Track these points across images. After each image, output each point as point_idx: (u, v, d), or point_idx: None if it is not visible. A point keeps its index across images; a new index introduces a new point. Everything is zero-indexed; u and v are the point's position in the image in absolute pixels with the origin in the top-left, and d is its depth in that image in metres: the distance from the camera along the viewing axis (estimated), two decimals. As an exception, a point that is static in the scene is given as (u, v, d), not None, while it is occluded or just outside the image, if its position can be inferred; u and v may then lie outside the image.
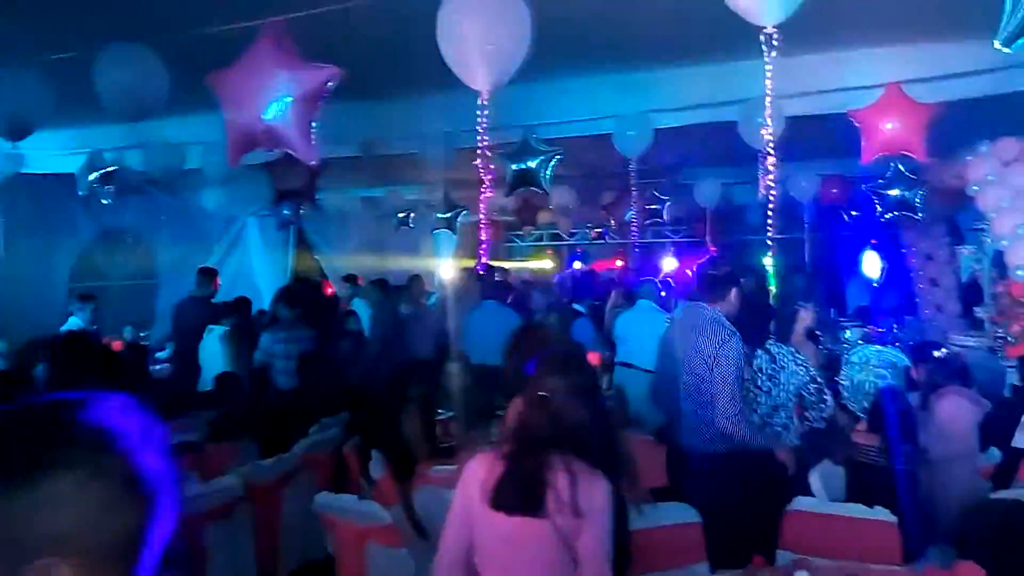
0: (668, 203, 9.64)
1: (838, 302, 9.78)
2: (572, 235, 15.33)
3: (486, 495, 2.04)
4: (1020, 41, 1.98)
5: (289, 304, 6.59)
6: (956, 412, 4.26)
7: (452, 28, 2.45)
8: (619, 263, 14.02)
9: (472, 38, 2.42)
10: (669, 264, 13.69)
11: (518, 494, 2.01)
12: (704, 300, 3.69)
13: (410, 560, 3.42)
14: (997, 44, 1.97)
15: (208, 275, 7.18)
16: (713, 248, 10.85)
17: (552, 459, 2.04)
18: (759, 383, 3.84)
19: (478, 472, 2.09)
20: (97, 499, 0.70)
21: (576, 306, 7.18)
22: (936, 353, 5.03)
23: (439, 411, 4.77)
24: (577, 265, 15.57)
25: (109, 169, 6.21)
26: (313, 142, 2.79)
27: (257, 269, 10.15)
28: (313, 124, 2.74)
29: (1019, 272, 4.33)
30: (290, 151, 2.75)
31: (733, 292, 3.70)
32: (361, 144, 5.50)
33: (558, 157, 5.27)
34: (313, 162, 2.76)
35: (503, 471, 2.05)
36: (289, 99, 2.63)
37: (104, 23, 3.68)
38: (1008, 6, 1.96)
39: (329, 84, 2.68)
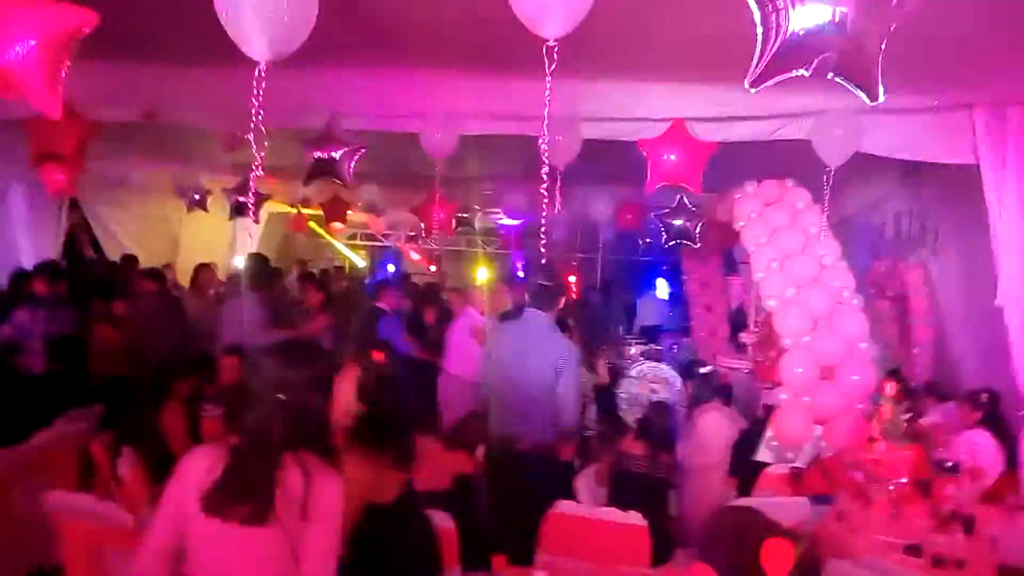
0: (479, 213, 9.79)
1: (627, 320, 10.41)
2: (386, 236, 15.14)
3: (200, 496, 1.85)
4: (766, 84, 2.16)
5: (51, 279, 5.93)
6: (713, 426, 4.65)
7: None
8: (432, 268, 14.04)
9: (250, 4, 2.25)
10: (481, 274, 13.91)
11: (242, 499, 1.84)
12: (541, 308, 4.21)
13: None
14: (746, 84, 2.12)
15: None
16: (520, 261, 11.17)
17: (284, 458, 1.92)
18: None
19: (198, 466, 1.91)
20: None
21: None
22: (702, 371, 5.47)
23: (205, 407, 4.47)
24: (391, 268, 15.38)
25: None
26: (62, 96, 2.46)
27: (21, 241, 8.99)
28: (62, 74, 2.42)
29: (771, 302, 4.80)
30: (30, 100, 2.41)
31: (562, 301, 4.39)
32: (142, 110, 5.02)
33: (363, 150, 5.12)
34: (58, 117, 2.43)
35: (226, 470, 1.87)
36: (32, 40, 2.30)
37: None
38: (759, 50, 2.13)
39: (85, 31, 2.38)
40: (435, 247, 13.71)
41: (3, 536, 3.89)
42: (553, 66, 2.40)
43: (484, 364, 4.43)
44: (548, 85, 2.45)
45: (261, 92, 2.38)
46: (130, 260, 7.80)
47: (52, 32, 2.34)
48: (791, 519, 3.62)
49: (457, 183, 7.69)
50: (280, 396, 1.92)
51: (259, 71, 2.38)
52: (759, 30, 2.12)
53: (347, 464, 2.11)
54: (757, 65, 2.12)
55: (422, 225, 10.27)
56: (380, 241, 15.43)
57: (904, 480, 3.80)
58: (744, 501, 3.85)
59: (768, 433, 4.67)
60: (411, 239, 13.19)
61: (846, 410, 4.44)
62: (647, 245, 9.28)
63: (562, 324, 4.66)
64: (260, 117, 2.36)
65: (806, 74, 2.12)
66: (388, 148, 5.92)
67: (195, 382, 4.43)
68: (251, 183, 2.58)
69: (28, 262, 8.36)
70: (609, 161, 5.89)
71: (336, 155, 5.05)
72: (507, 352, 4.21)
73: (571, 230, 9.76)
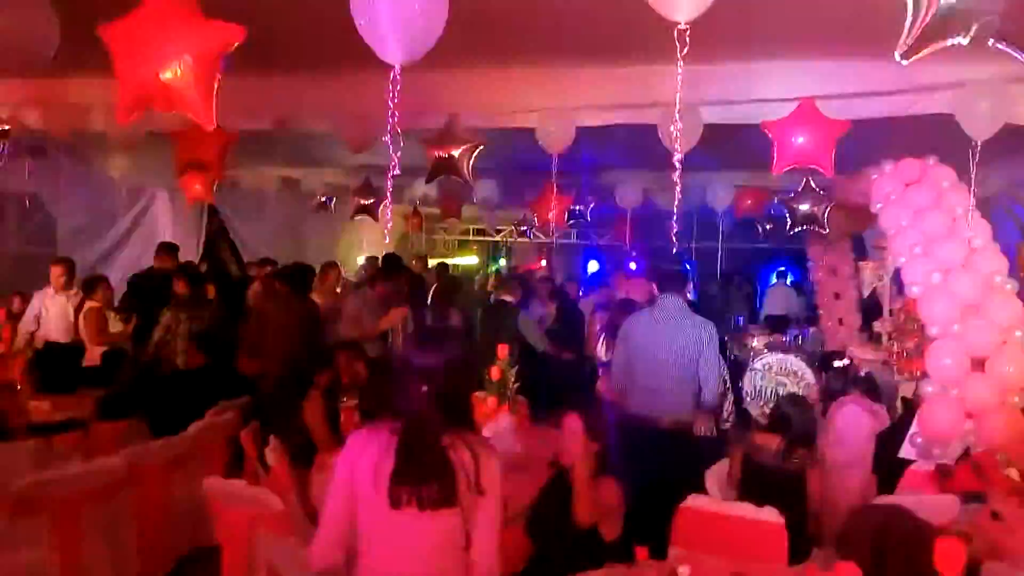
0: (592, 204, 9.73)
1: (750, 310, 10.09)
2: (499, 231, 15.35)
3: (382, 486, 1.92)
4: (919, 55, 2.03)
5: (191, 281, 6.37)
6: (852, 420, 4.43)
7: (364, -3, 2.36)
8: (543, 262, 14.11)
9: (386, 8, 2.32)
10: (592, 265, 13.86)
11: (429, 483, 1.90)
12: (672, 292, 4.58)
13: (300, 550, 3.30)
14: (897, 56, 2.00)
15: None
16: (633, 251, 11.02)
17: (451, 437, 1.98)
18: None
19: (367, 451, 1.98)
20: None
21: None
22: (837, 364, 5.22)
23: (343, 399, 4.67)
24: (503, 262, 15.60)
25: (2, 128, 5.79)
26: (214, 107, 2.63)
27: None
28: (215, 87, 2.59)
29: (914, 289, 4.51)
30: (188, 114, 2.59)
31: (689, 286, 4.70)
32: (275, 120, 5.30)
33: (481, 147, 5.20)
34: (212, 128, 2.60)
35: (401, 459, 1.93)
36: (188, 57, 2.47)
37: None
38: (909, 21, 2.01)
39: (233, 45, 2.53)
40: (544, 240, 13.77)
41: (164, 518, 4.22)
42: (685, 50, 2.34)
43: (620, 349, 4.73)
44: (680, 69, 2.40)
45: (396, 95, 2.45)
46: (267, 263, 8.25)
47: (205, 47, 2.51)
48: (940, 518, 3.42)
49: (571, 175, 7.68)
50: (424, 381, 1.98)
51: (394, 74, 2.45)
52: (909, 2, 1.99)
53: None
54: (909, 35, 1.99)
55: (535, 218, 10.36)
56: (491, 236, 15.67)
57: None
58: (889, 499, 3.65)
59: (913, 428, 4.40)
60: (522, 234, 13.31)
61: (999, 403, 4.12)
62: (768, 231, 8.93)
63: (696, 307, 5.10)
64: (396, 118, 2.43)
65: (964, 42, 1.97)
66: (503, 143, 5.99)
67: (332, 375, 4.64)
68: (388, 185, 2.66)
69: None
70: (727, 146, 5.73)
71: (456, 153, 5.15)
72: (643, 336, 4.54)
73: (688, 218, 9.56)
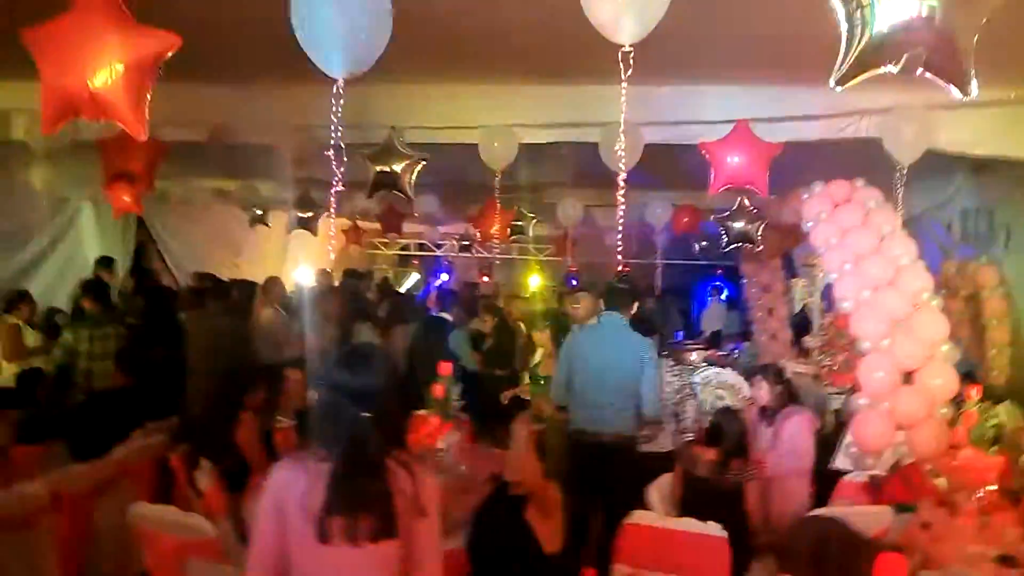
0: (534, 220, 9.78)
1: (685, 326, 10.28)
2: (439, 246, 15.27)
3: (311, 519, 1.82)
4: (852, 82, 2.10)
5: (97, 298, 6.11)
6: (799, 429, 4.52)
7: (307, 9, 2.31)
8: (484, 278, 14.08)
9: (328, 21, 2.28)
10: (534, 282, 13.90)
11: (365, 517, 1.82)
12: (617, 310, 4.66)
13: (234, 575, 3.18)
14: (831, 83, 2.07)
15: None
16: (573, 267, 11.12)
17: (388, 460, 1.92)
18: None
19: (294, 482, 1.88)
20: None
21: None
22: (785, 375, 5.34)
23: (278, 419, 4.54)
24: (444, 277, 15.51)
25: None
26: (146, 117, 2.53)
27: (92, 258, 9.32)
28: (147, 97, 2.49)
29: (845, 304, 4.67)
30: (118, 123, 2.48)
31: (635, 305, 4.81)
32: (209, 130, 5.15)
33: (423, 162, 5.16)
34: (143, 139, 2.50)
35: (333, 493, 1.83)
36: (120, 65, 2.37)
37: None
38: (843, 50, 2.08)
39: (168, 53, 2.44)
40: (487, 256, 13.76)
41: (88, 547, 4.00)
42: (629, 72, 2.37)
43: (562, 364, 4.79)
44: (623, 91, 2.42)
45: (339, 109, 2.40)
46: (206, 278, 7.98)
47: (138, 55, 2.41)
48: (873, 529, 3.52)
49: (512, 191, 7.71)
50: (363, 407, 1.91)
51: (337, 88, 2.40)
52: (843, 27, 2.06)
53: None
54: (843, 63, 2.06)
55: (476, 234, 10.35)
56: (432, 252, 15.58)
57: (993, 487, 3.65)
58: (825, 511, 3.74)
59: (847, 439, 4.53)
60: (464, 248, 13.27)
61: (928, 415, 4.28)
62: (703, 248, 9.14)
63: (641, 324, 5.08)
64: (340, 133, 2.38)
65: (895, 71, 2.05)
66: (445, 159, 5.98)
67: (266, 394, 4.50)
68: (332, 199, 2.60)
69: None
70: (664, 165, 5.84)
71: (397, 168, 5.09)
72: (586, 353, 4.60)
73: (626, 235, 9.70)
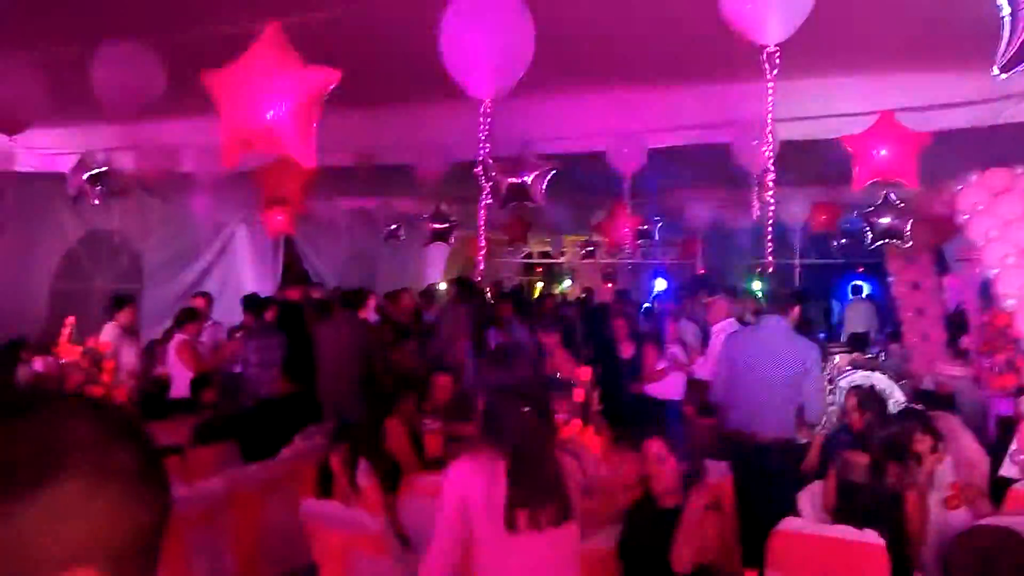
0: (660, 224, 9.70)
1: (829, 328, 9.84)
2: (563, 254, 15.39)
3: (497, 515, 1.95)
4: (1018, 67, 2.01)
5: (255, 311, 6.59)
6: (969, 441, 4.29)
7: (455, 35, 2.46)
8: (609, 284, 14.07)
9: (476, 44, 2.42)
10: (660, 284, 13.77)
11: (546, 505, 1.95)
12: (777, 313, 4.75)
13: (394, 570, 3.38)
14: (995, 70, 1.99)
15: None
16: (703, 270, 10.91)
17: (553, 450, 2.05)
18: None
19: (474, 481, 2.01)
20: (109, 501, 0.67)
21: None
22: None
23: (426, 422, 4.77)
24: (567, 283, 15.63)
25: (100, 170, 6.16)
26: (314, 147, 2.77)
27: (245, 277, 10.09)
28: (314, 128, 2.73)
29: (1009, 301, 4.36)
30: (290, 154, 2.73)
31: (796, 308, 4.89)
32: (357, 153, 5.49)
33: (553, 172, 5.27)
34: (313, 166, 2.74)
35: (517, 484, 1.96)
36: (290, 101, 2.61)
37: (101, 18, 3.66)
38: (1007, 33, 1.99)
39: (330, 88, 2.67)
40: (610, 261, 13.73)
41: (262, 539, 4.36)
42: (775, 71, 2.36)
43: (723, 366, 4.84)
44: (771, 90, 2.41)
45: (486, 128, 2.54)
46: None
47: (306, 91, 2.64)
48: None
49: (640, 195, 7.69)
50: (523, 402, 2.03)
51: (484, 108, 2.54)
52: (1006, 12, 1.98)
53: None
54: (1007, 49, 1.97)
55: (603, 239, 10.37)
56: (555, 259, 15.73)
57: None
58: (993, 520, 3.52)
59: (1013, 446, 4.23)
60: (588, 255, 13.32)
61: (1107, 419, 3.94)
62: (844, 247, 8.73)
63: (806, 326, 5.27)
64: (487, 150, 2.51)
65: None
66: (571, 166, 6.07)
67: (415, 398, 4.74)
68: (482, 214, 2.74)
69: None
70: (799, 161, 5.66)
71: (528, 179, 5.24)
72: (747, 355, 4.64)
73: (761, 235, 9.43)
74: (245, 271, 10.05)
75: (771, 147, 2.60)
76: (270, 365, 5.93)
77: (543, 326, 5.90)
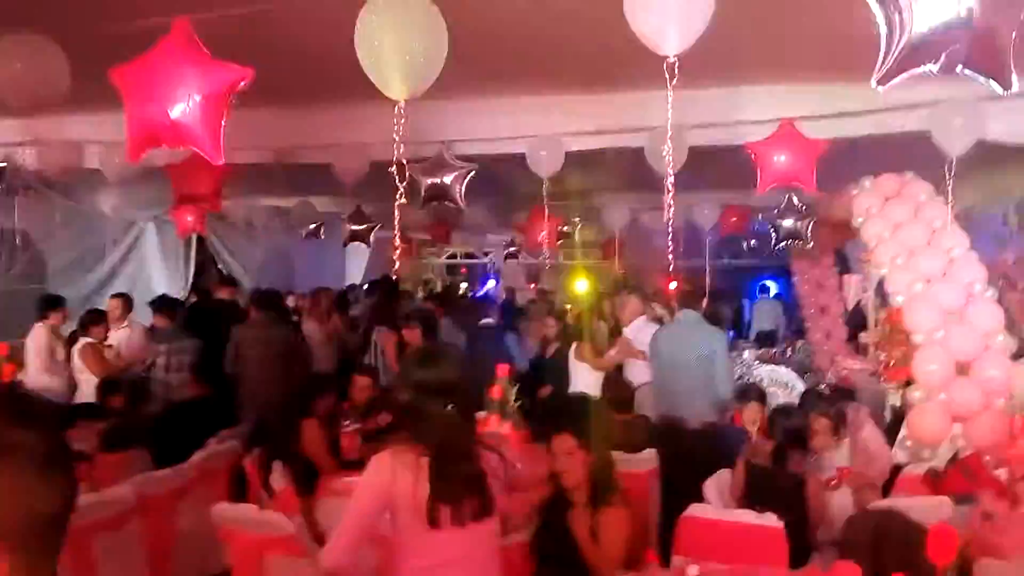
0: (579, 226, 9.89)
1: (737, 325, 10.23)
2: (486, 254, 15.48)
3: (420, 509, 1.99)
4: (893, 82, 2.17)
5: (167, 313, 6.42)
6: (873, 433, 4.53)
7: (370, 35, 2.48)
8: (532, 285, 14.22)
9: (390, 45, 2.45)
10: (581, 286, 13.97)
11: (468, 499, 2.01)
12: (689, 307, 5.34)
13: (311, 571, 3.36)
14: (873, 84, 2.14)
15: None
16: (622, 271, 11.16)
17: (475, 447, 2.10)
18: None
19: (399, 476, 2.03)
20: (11, 478, 0.69)
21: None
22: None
23: (345, 423, 4.74)
24: (491, 284, 15.71)
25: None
26: (221, 143, 2.74)
27: (155, 277, 9.76)
28: (223, 124, 2.69)
29: (898, 298, 4.66)
30: (197, 150, 2.69)
31: (704, 302, 5.40)
32: (275, 152, 5.41)
33: (472, 173, 5.33)
34: (220, 163, 2.70)
35: (437, 481, 2.00)
36: (197, 96, 2.58)
37: (3, 9, 3.51)
38: (883, 50, 2.15)
39: (241, 84, 2.64)
40: (533, 262, 13.89)
41: (173, 545, 4.25)
42: (674, 81, 2.48)
43: (652, 362, 5.33)
44: (670, 99, 2.53)
45: (400, 128, 2.56)
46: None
47: (215, 88, 2.61)
48: (933, 520, 3.53)
49: (559, 198, 7.83)
50: (447, 401, 2.08)
51: (398, 108, 2.56)
52: (882, 29, 2.13)
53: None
54: (883, 64, 2.13)
55: (523, 241, 10.50)
56: (479, 259, 15.80)
57: (1056, 478, 3.62)
58: (884, 503, 3.76)
59: (902, 433, 4.53)
60: (511, 256, 13.44)
61: (985, 406, 4.26)
62: (752, 249, 9.12)
63: (715, 321, 5.70)
64: (401, 150, 2.54)
65: (934, 70, 2.12)
66: (491, 166, 6.14)
67: (332, 400, 4.70)
68: (396, 214, 2.76)
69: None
70: (711, 166, 5.89)
71: (448, 180, 5.27)
72: (668, 347, 5.14)
73: (675, 237, 9.73)
74: (154, 271, 9.72)
75: (671, 152, 2.69)
76: (182, 368, 5.79)
77: (406, 320, 6.01)
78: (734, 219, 8.29)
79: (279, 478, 4.03)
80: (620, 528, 2.93)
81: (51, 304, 6.33)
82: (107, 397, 5.71)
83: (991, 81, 2.19)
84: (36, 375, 6.18)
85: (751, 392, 4.75)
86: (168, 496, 4.28)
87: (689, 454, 4.48)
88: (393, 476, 2.04)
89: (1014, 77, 2.17)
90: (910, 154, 4.98)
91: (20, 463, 0.70)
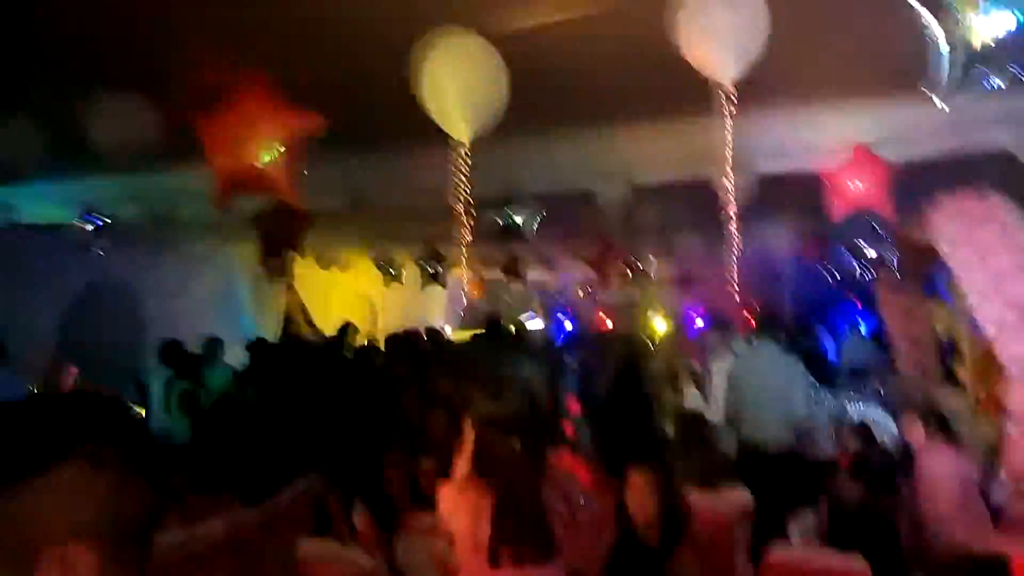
0: (652, 261, 9.79)
1: (821, 360, 9.81)
2: (561, 292, 15.46)
3: (481, 546, 1.95)
4: (961, 100, 2.13)
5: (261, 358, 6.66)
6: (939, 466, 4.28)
7: (432, 79, 2.59)
8: (608, 322, 14.11)
9: (452, 90, 2.55)
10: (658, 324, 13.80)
11: (528, 544, 1.93)
12: (768, 336, 5.56)
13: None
14: (937, 102, 2.11)
15: None
16: (697, 305, 10.99)
17: (542, 487, 2.03)
18: None
19: (461, 514, 2.02)
20: (108, 484, 0.77)
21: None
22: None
23: (423, 461, 4.78)
24: (568, 325, 15.66)
25: (103, 221, 6.28)
26: (299, 188, 2.89)
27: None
28: (301, 170, 2.85)
29: (989, 329, 4.41)
30: (277, 196, 2.85)
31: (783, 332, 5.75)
32: (350, 198, 5.63)
33: (543, 212, 5.41)
34: (301, 207, 2.86)
35: (502, 519, 1.95)
36: (277, 143, 2.74)
37: (95, 70, 3.71)
38: (946, 68, 2.12)
39: (315, 130, 2.80)
40: (607, 299, 13.80)
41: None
42: (733, 109, 2.49)
43: (730, 387, 5.42)
44: (729, 128, 2.53)
45: (467, 169, 2.65)
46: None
47: (293, 135, 2.78)
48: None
49: (630, 233, 7.81)
50: (517, 440, 2.04)
51: (464, 151, 2.66)
52: (944, 48, 2.10)
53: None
54: (946, 82, 2.10)
55: (595, 278, 10.46)
56: (552, 297, 15.78)
57: None
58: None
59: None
60: (586, 293, 13.40)
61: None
62: (834, 279, 8.81)
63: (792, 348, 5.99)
64: (469, 191, 2.63)
65: (1003, 84, 2.07)
66: (563, 204, 6.19)
67: (410, 439, 4.77)
68: (464, 252, 2.84)
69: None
70: (785, 194, 5.77)
71: (519, 219, 5.37)
72: (750, 375, 5.31)
73: (751, 270, 9.52)
74: (248, 317, 10.14)
75: (731, 182, 2.67)
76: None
77: None
78: (812, 248, 8.05)
79: (360, 516, 4.10)
80: (693, 569, 2.84)
81: None
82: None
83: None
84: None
85: (850, 435, 4.92)
86: (256, 533, 4.41)
87: (770, 484, 4.38)
88: (453, 511, 2.04)
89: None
90: (986, 172, 4.77)
91: (112, 472, 0.78)
